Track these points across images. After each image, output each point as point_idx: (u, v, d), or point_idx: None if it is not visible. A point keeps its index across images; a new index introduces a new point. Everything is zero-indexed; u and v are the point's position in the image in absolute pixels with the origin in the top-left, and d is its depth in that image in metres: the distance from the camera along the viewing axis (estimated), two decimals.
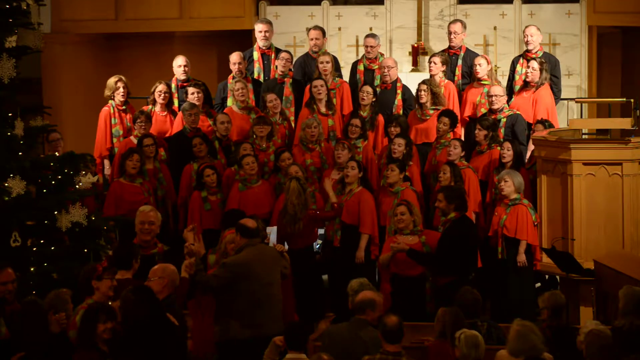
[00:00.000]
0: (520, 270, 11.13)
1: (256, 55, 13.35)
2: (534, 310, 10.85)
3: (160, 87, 12.87)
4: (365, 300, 8.25)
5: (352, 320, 8.25)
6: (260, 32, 13.30)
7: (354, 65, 13.30)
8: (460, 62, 13.14)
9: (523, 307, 10.91)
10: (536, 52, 12.98)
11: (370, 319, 8.19)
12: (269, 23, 13.46)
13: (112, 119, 12.88)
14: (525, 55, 13.04)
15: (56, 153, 11.12)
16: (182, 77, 13.14)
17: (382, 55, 13.33)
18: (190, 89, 12.79)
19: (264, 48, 13.32)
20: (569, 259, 10.44)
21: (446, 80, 12.88)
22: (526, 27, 13.20)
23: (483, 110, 12.63)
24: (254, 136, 12.21)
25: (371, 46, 13.06)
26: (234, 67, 13.07)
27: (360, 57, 13.33)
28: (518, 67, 13.05)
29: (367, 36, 13.26)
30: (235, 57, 13.10)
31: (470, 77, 13.11)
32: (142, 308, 7.54)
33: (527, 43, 13.04)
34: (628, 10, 13.70)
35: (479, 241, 10.72)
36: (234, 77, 13.07)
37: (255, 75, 13.27)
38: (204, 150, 12.06)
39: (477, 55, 13.20)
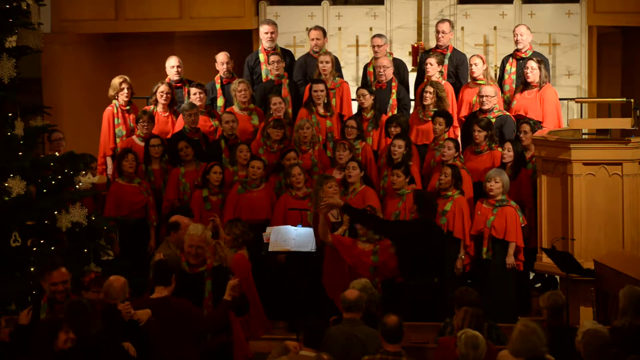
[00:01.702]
0: (506, 270, 11.17)
1: (262, 57, 13.30)
2: (520, 310, 10.93)
3: (162, 87, 12.86)
4: (360, 298, 8.28)
5: (344, 321, 8.26)
6: (266, 33, 13.27)
7: (365, 68, 13.28)
8: (446, 62, 13.14)
9: (508, 306, 10.95)
10: (525, 52, 12.96)
11: (360, 317, 8.23)
12: (274, 24, 13.42)
13: (115, 119, 12.88)
14: (515, 55, 13.04)
15: (56, 153, 11.13)
16: (175, 77, 13.13)
17: (390, 54, 13.33)
18: (193, 89, 12.79)
19: (269, 49, 13.29)
20: (569, 259, 10.44)
21: (444, 81, 12.88)
22: (516, 26, 13.19)
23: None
24: (268, 137, 12.19)
25: (378, 45, 13.05)
26: (221, 67, 13.07)
27: (370, 59, 13.30)
28: (507, 67, 13.05)
29: (374, 36, 13.24)
30: (222, 57, 13.09)
31: (457, 78, 13.12)
32: (94, 326, 7.45)
33: (516, 42, 13.03)
34: (628, 10, 13.69)
35: (426, 249, 10.13)
36: (221, 77, 13.09)
37: (264, 77, 13.21)
38: (190, 154, 12.05)
39: (463, 55, 13.22)
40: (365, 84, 13.03)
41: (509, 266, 11.17)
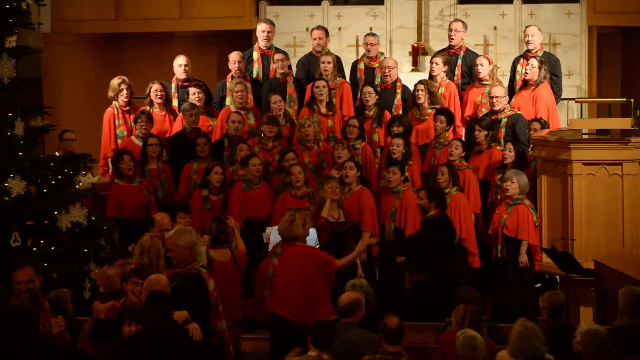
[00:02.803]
0: (519, 270, 11.16)
1: (256, 55, 13.32)
2: (532, 310, 10.90)
3: (155, 86, 12.87)
4: (353, 302, 8.26)
5: (339, 324, 8.23)
6: (263, 31, 13.26)
7: (354, 65, 13.30)
8: (460, 61, 13.14)
9: (521, 306, 10.93)
10: (536, 52, 12.97)
11: (357, 320, 8.21)
12: (272, 24, 13.42)
13: (116, 120, 12.89)
14: (526, 55, 13.03)
15: (57, 153, 11.14)
16: (183, 76, 13.13)
17: (382, 54, 13.34)
18: (192, 89, 12.79)
19: (264, 48, 13.28)
20: (569, 259, 10.44)
21: (447, 81, 12.88)
22: (527, 27, 13.18)
23: (484, 111, 12.62)
24: (262, 135, 12.21)
25: (371, 44, 13.07)
26: (233, 66, 13.06)
27: (360, 57, 13.33)
28: (519, 67, 13.04)
29: (367, 35, 13.27)
30: (234, 56, 13.09)
31: (470, 77, 13.12)
32: (150, 314, 7.51)
33: (527, 43, 13.04)
34: (628, 10, 13.69)
35: (452, 241, 10.80)
36: (232, 77, 13.08)
37: (255, 75, 13.25)
38: (206, 150, 12.06)
39: (477, 55, 13.20)
40: (354, 82, 13.04)
41: (522, 264, 11.17)
